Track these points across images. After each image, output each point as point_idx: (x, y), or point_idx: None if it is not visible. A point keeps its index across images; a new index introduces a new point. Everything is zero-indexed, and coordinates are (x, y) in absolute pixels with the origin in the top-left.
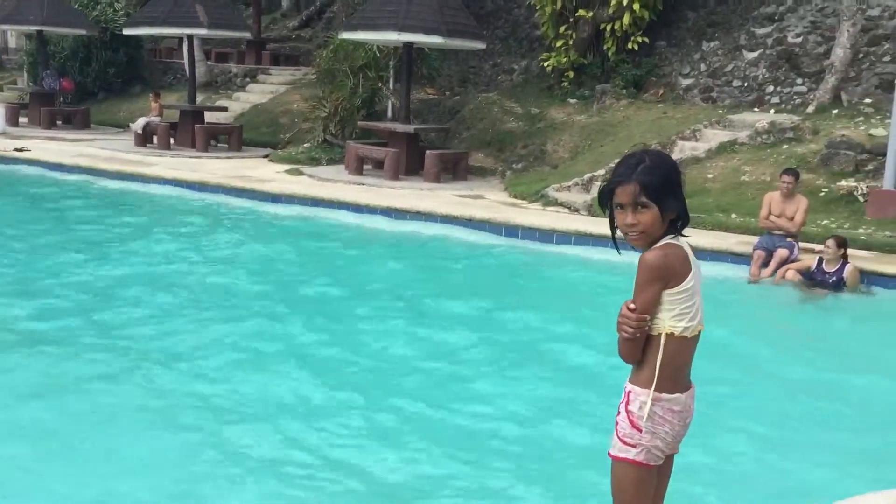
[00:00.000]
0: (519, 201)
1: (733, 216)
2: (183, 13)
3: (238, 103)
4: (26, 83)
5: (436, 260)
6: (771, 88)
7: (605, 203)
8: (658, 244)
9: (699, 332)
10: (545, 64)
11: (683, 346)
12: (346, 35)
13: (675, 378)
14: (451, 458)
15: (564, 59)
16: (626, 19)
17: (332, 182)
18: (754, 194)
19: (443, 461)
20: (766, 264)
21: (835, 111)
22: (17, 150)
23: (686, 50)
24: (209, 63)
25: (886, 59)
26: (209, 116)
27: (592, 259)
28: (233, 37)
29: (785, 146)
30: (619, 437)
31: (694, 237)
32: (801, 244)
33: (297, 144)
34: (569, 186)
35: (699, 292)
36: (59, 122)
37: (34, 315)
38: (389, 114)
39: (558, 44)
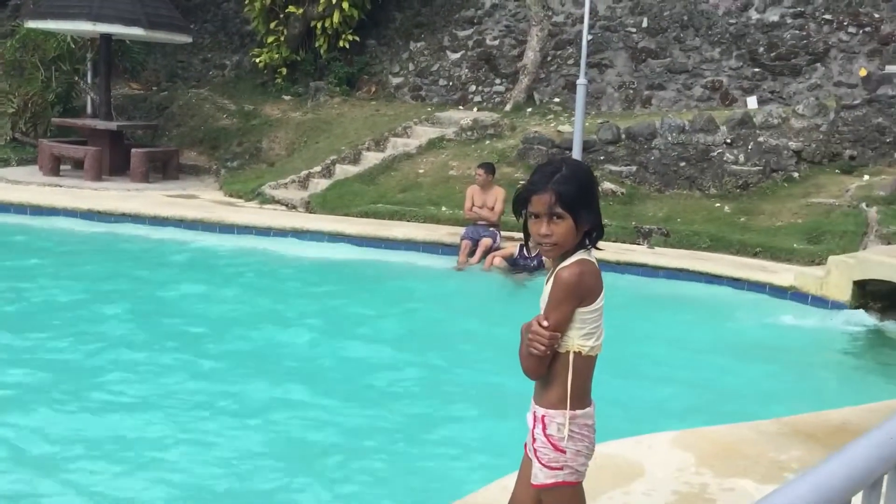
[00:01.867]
0: (235, 200)
1: (443, 209)
2: None
3: None
4: None
5: (139, 263)
6: (473, 88)
7: (520, 211)
8: (572, 258)
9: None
10: (257, 60)
11: (589, 364)
12: (32, 24)
13: (584, 395)
14: None
15: (277, 56)
16: (336, 17)
17: (22, 184)
18: (461, 187)
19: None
20: (472, 253)
21: (529, 109)
22: None
23: (395, 49)
24: None
25: (571, 62)
26: None
27: (310, 255)
28: None
29: (487, 142)
30: (543, 465)
31: (408, 229)
32: (503, 232)
33: None
34: (286, 184)
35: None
36: None
37: None
38: (89, 110)
39: (270, 40)
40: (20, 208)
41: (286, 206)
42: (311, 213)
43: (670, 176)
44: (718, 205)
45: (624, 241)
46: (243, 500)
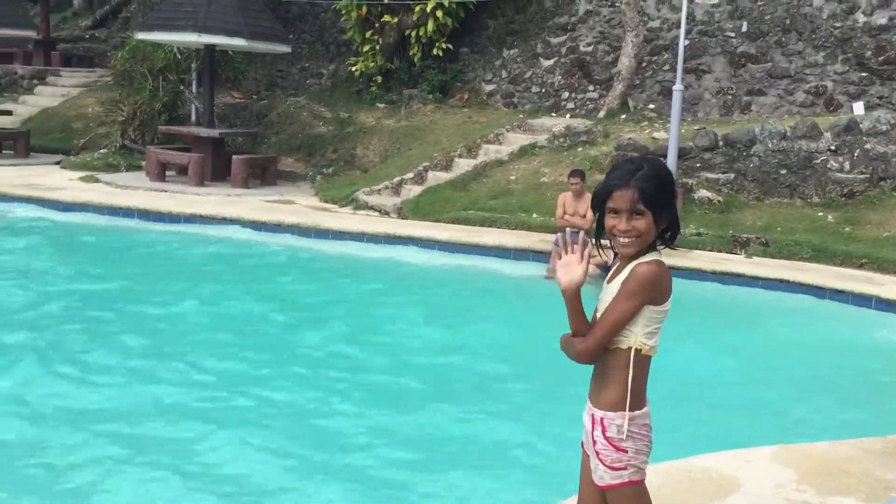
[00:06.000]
0: (329, 205)
1: (534, 216)
2: None
3: (25, 107)
4: None
5: (241, 265)
6: (566, 94)
7: (598, 206)
8: (648, 257)
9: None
10: (353, 68)
11: (646, 365)
12: (142, 35)
13: (641, 395)
14: None
15: (372, 64)
16: (430, 26)
17: (131, 189)
18: (553, 194)
19: None
20: None
21: (623, 116)
22: None
23: (488, 57)
24: None
25: (666, 67)
26: None
27: (402, 260)
28: (16, 36)
29: (579, 149)
30: (607, 466)
31: (499, 236)
32: None
33: (92, 150)
34: (379, 190)
35: None
36: None
37: None
38: (193, 118)
39: (365, 49)
40: (128, 212)
41: (379, 211)
42: (403, 218)
43: (770, 184)
44: (821, 214)
45: (720, 251)
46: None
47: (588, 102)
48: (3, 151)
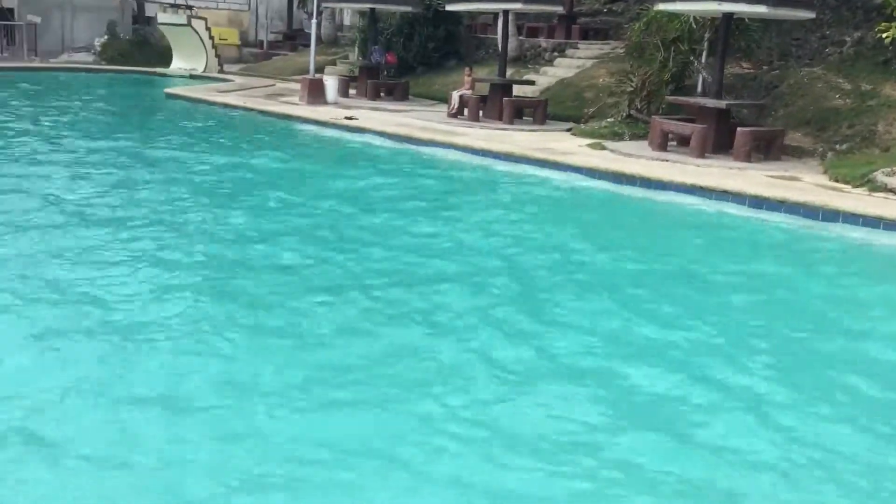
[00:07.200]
0: (840, 185)
1: None
2: None
3: (545, 77)
4: (356, 57)
5: (742, 243)
6: None
7: None
8: None
9: None
10: (884, 35)
11: None
12: (662, 6)
13: None
14: None
15: None
16: None
17: (633, 157)
18: None
19: None
20: None
21: None
22: (347, 118)
23: None
24: (520, 38)
25: None
26: (517, 90)
27: None
28: (546, 11)
29: None
30: None
31: None
32: None
33: (599, 119)
34: None
35: None
36: (382, 94)
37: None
38: (699, 89)
39: None
40: (631, 179)
41: None
42: None
43: None
44: None
45: None
46: None
47: None
48: (524, 118)
